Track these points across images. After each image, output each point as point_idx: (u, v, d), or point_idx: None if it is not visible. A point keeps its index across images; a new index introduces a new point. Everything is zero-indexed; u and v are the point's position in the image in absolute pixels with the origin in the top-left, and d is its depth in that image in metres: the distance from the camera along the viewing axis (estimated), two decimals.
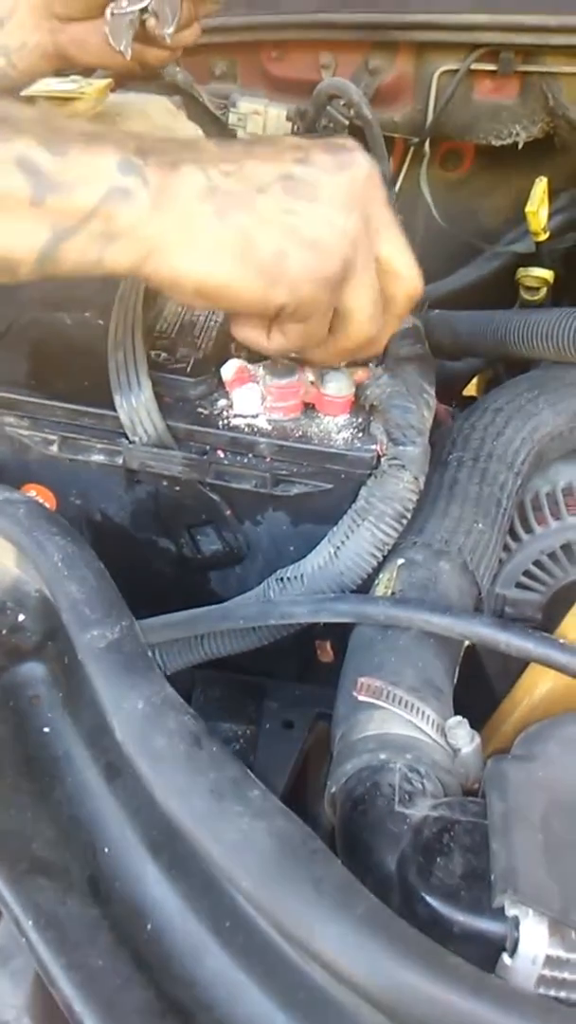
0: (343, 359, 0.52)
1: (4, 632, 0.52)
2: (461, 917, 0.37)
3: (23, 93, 0.98)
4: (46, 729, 0.49)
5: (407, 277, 0.47)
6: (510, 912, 0.36)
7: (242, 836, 0.37)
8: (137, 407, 0.54)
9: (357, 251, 0.44)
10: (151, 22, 0.60)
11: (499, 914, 0.36)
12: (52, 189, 0.39)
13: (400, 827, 0.40)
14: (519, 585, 0.68)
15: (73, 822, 0.45)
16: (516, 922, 0.36)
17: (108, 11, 0.60)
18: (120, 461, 0.57)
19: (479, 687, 0.60)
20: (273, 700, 0.66)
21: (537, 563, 0.67)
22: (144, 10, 0.60)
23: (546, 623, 0.67)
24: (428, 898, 0.37)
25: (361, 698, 0.46)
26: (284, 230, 0.42)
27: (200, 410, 0.56)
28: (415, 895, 0.38)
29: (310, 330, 0.47)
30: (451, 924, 0.37)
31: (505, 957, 0.36)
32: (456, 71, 0.97)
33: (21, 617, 0.53)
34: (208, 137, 0.43)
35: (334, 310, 0.46)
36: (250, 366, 0.57)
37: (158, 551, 0.63)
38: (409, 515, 0.55)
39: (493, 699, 0.57)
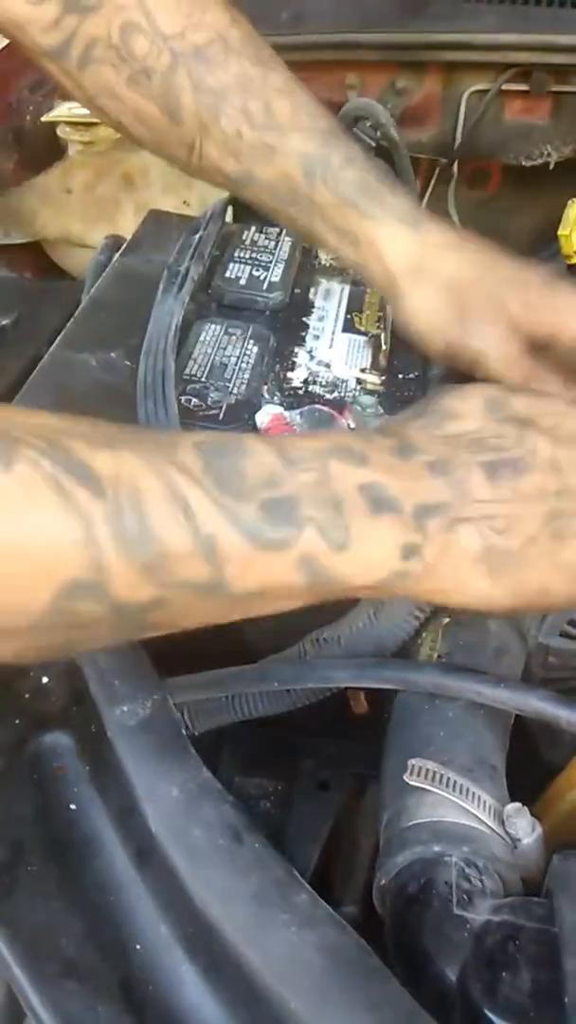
0: None
1: (27, 696, 0.50)
2: None
3: (43, 119, 0.96)
4: (72, 806, 0.46)
5: None
6: None
7: (290, 950, 0.34)
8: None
9: None
10: None
11: None
12: (329, 582, 0.37)
13: (460, 933, 0.37)
14: (563, 634, 0.65)
15: (102, 914, 0.42)
16: None
17: None
18: None
19: (524, 751, 0.57)
20: (307, 757, 0.63)
21: None
22: None
23: None
24: (495, 1019, 0.34)
25: (412, 782, 0.43)
26: (550, 571, 0.40)
27: None
28: (481, 1015, 0.34)
29: None
30: None
31: None
32: (486, 91, 0.94)
33: (44, 679, 0.50)
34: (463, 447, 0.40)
35: None
36: (286, 413, 0.54)
37: None
38: None
39: (540, 765, 0.54)
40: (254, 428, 0.55)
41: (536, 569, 0.40)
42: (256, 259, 0.70)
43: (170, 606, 0.35)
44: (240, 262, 0.69)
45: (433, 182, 1.06)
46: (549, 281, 0.55)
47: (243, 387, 0.57)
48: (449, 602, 0.40)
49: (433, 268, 0.55)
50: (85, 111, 0.94)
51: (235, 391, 0.57)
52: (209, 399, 0.55)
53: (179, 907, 0.40)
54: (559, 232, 0.89)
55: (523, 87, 0.94)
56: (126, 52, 0.55)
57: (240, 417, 0.55)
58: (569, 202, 0.88)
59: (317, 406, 0.56)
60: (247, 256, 0.70)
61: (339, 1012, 0.32)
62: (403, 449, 0.39)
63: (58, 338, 0.61)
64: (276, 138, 0.57)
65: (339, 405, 0.57)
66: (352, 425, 0.54)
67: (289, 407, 0.55)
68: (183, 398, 0.55)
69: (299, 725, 0.65)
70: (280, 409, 0.55)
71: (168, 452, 0.35)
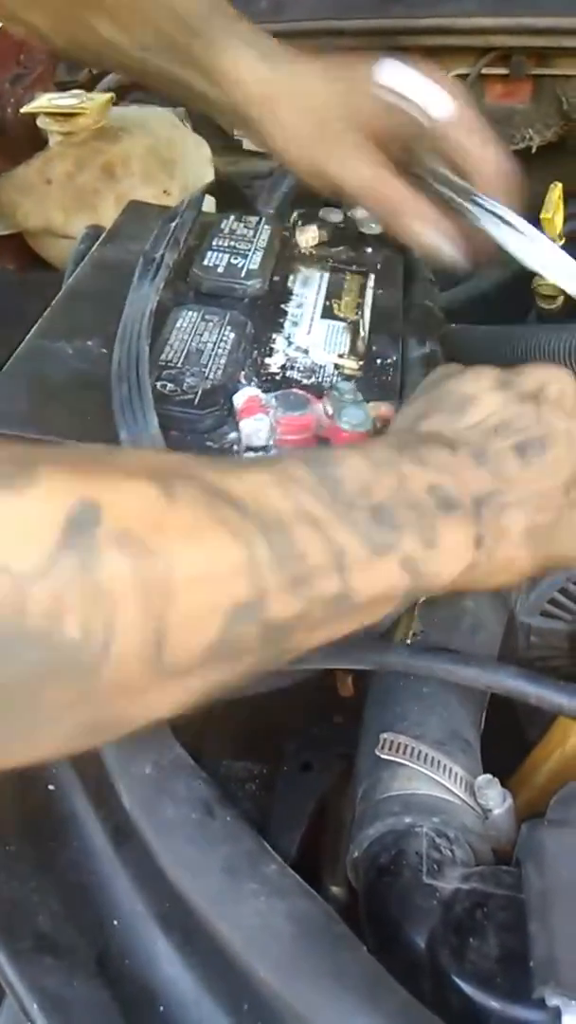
0: None
1: None
2: (498, 1006, 0.34)
3: (23, 110, 0.97)
4: (51, 787, 0.46)
5: None
6: (551, 1003, 0.33)
7: (260, 919, 0.34)
8: (142, 445, 0.51)
9: None
10: None
11: (540, 1003, 0.33)
12: (424, 582, 0.38)
13: (429, 902, 0.38)
14: (544, 613, 0.65)
15: (80, 891, 0.42)
16: (558, 1013, 0.33)
17: None
18: None
19: (506, 727, 0.57)
20: (290, 740, 0.63)
21: (563, 591, 0.64)
22: None
23: (572, 652, 0.64)
24: (462, 984, 0.34)
25: (385, 756, 0.43)
26: (572, 536, 0.44)
27: (209, 443, 0.54)
28: (448, 980, 0.35)
29: None
30: (487, 1014, 0.34)
31: None
32: (466, 75, 0.94)
33: None
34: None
35: None
36: (262, 396, 0.54)
37: None
38: None
39: (522, 741, 0.55)
40: (230, 413, 0.55)
41: (564, 537, 0.43)
42: (235, 247, 0.70)
43: (308, 622, 0.35)
44: (218, 250, 0.69)
45: None
46: None
47: (219, 372, 0.57)
48: (500, 584, 0.44)
49: (289, 91, 0.56)
50: (66, 102, 0.95)
51: (211, 376, 0.57)
52: (185, 384, 0.55)
53: (154, 882, 0.40)
54: (541, 215, 0.89)
55: (503, 71, 0.94)
56: None
57: (216, 402, 0.55)
58: (551, 185, 0.89)
59: (293, 390, 0.56)
60: (226, 244, 0.70)
61: (306, 978, 0.33)
62: (447, 445, 0.41)
63: (34, 328, 0.61)
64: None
65: (317, 390, 0.57)
66: (329, 411, 0.54)
67: (266, 392, 0.55)
68: (158, 383, 0.55)
69: (285, 708, 0.66)
70: (257, 391, 0.55)
71: (279, 468, 0.36)
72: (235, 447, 0.53)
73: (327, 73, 0.59)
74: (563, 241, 0.91)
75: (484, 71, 0.94)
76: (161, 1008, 0.38)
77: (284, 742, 0.64)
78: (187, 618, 0.30)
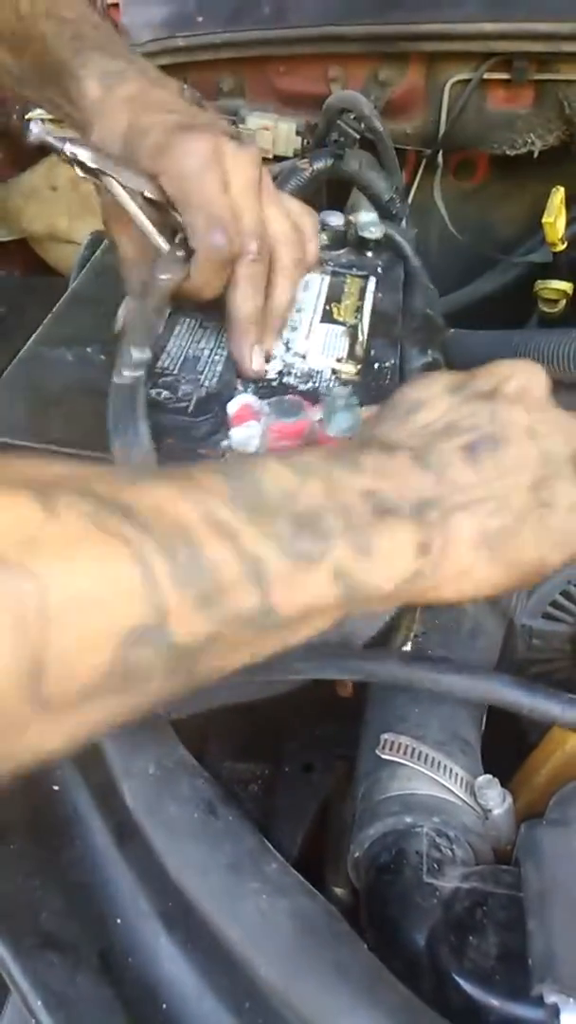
0: None
1: None
2: (497, 1003, 0.34)
3: (28, 116, 0.97)
4: (55, 787, 0.47)
5: None
6: (549, 1000, 0.33)
7: (261, 916, 0.35)
8: (132, 458, 0.51)
9: None
10: None
11: (538, 1000, 0.34)
12: (360, 592, 0.36)
13: (429, 900, 0.38)
14: (546, 616, 0.65)
15: (83, 890, 0.43)
16: (556, 1011, 0.33)
17: None
18: None
19: (507, 730, 0.58)
20: (292, 741, 0.64)
21: (564, 593, 0.64)
22: None
23: (574, 655, 0.64)
24: (462, 982, 0.35)
25: (386, 756, 0.43)
26: (543, 540, 0.40)
27: (201, 451, 0.54)
28: (448, 978, 0.35)
29: None
30: (487, 1011, 0.34)
31: None
32: (468, 81, 0.94)
33: None
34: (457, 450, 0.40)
35: None
36: (256, 403, 0.55)
37: None
38: None
39: (524, 743, 0.55)
40: (224, 421, 0.55)
41: (531, 541, 0.40)
42: None
43: (223, 643, 0.32)
44: None
45: (420, 173, 1.06)
46: (180, 127, 0.56)
47: (215, 380, 0.58)
48: (459, 596, 0.40)
49: (114, 116, 0.57)
50: None
51: (206, 383, 0.57)
52: (180, 391, 0.56)
53: (157, 881, 0.41)
54: (543, 220, 0.90)
55: (505, 76, 0.94)
56: None
57: (210, 409, 0.55)
58: (553, 190, 0.89)
59: (288, 396, 0.56)
60: None
61: (307, 974, 0.33)
62: (386, 449, 0.39)
63: (35, 334, 0.62)
64: (31, 25, 0.63)
65: (314, 396, 0.57)
66: (320, 417, 0.54)
67: (262, 398, 0.56)
68: (153, 391, 0.55)
69: (285, 710, 0.66)
70: (251, 398, 0.55)
71: (192, 479, 0.34)
72: (227, 456, 0.54)
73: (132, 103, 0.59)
74: (565, 246, 0.92)
75: (486, 76, 0.94)
76: (164, 1005, 0.39)
77: (285, 744, 0.64)
78: (70, 645, 0.27)
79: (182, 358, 0.59)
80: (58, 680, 0.27)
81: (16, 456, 0.32)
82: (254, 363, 0.58)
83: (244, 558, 0.32)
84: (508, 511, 0.39)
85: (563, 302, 0.94)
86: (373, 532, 0.36)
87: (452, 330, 0.87)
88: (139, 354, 0.50)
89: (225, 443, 0.54)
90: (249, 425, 0.53)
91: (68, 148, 0.51)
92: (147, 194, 0.55)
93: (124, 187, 0.54)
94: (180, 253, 0.55)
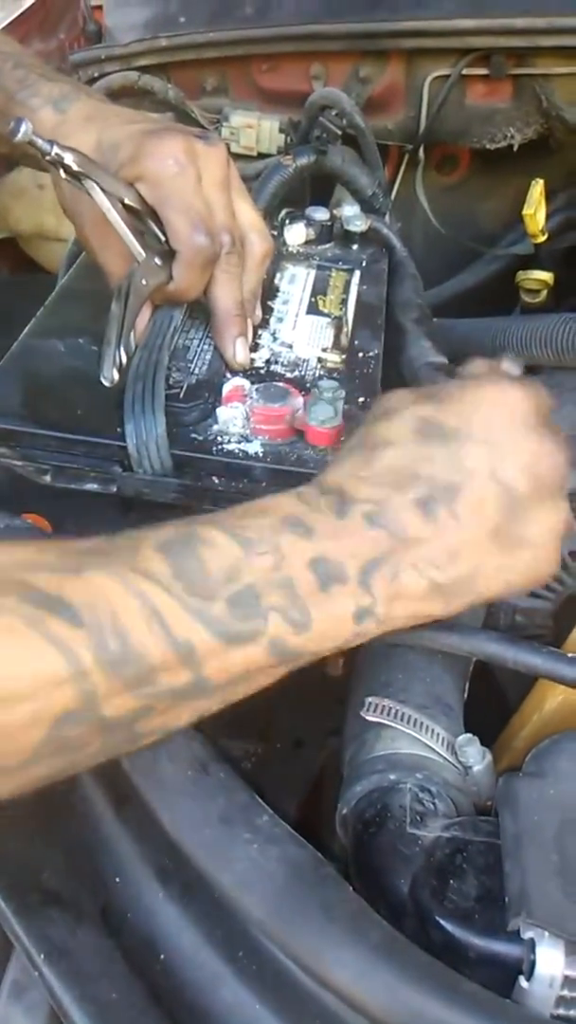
0: None
1: None
2: (476, 941, 0.36)
3: None
4: None
5: None
6: (525, 935, 0.35)
7: (252, 864, 0.37)
8: (147, 440, 0.53)
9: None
10: None
11: (515, 937, 0.36)
12: (297, 657, 0.39)
13: (412, 849, 0.40)
14: (529, 593, 0.67)
15: (83, 850, 0.44)
16: (532, 944, 0.35)
17: None
18: (114, 489, 0.56)
19: (493, 700, 0.60)
20: (283, 717, 0.65)
21: None
22: None
23: (556, 631, 0.66)
24: (442, 922, 0.37)
25: (370, 718, 0.45)
26: (507, 573, 0.41)
27: (194, 436, 0.56)
28: (429, 919, 0.37)
29: None
30: (466, 948, 0.36)
31: (522, 980, 0.35)
32: (448, 76, 0.96)
33: None
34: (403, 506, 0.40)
35: None
36: (247, 386, 0.57)
37: None
38: None
39: (508, 712, 0.57)
40: (214, 407, 0.57)
41: (492, 578, 0.41)
42: None
43: (156, 713, 0.36)
44: None
45: (403, 169, 1.08)
46: (148, 133, 0.58)
47: (204, 368, 0.60)
48: (413, 627, 0.41)
49: (78, 136, 0.59)
50: None
51: (196, 372, 0.59)
52: (171, 380, 0.58)
53: (155, 841, 0.43)
54: (524, 212, 0.92)
55: (483, 71, 0.96)
56: None
57: (201, 396, 0.57)
58: (533, 182, 0.91)
59: (276, 383, 0.58)
60: None
61: (295, 914, 0.35)
62: (341, 506, 0.40)
63: (27, 327, 0.63)
64: None
65: (300, 384, 0.60)
66: (302, 407, 0.56)
67: (253, 384, 0.58)
68: None
69: (276, 686, 0.68)
70: (243, 381, 0.58)
71: (134, 561, 0.36)
72: (218, 439, 0.56)
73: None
74: (546, 237, 0.95)
75: (465, 72, 0.96)
76: (162, 957, 0.40)
77: (276, 720, 0.66)
78: (6, 726, 0.32)
79: (172, 348, 0.61)
80: (2, 753, 0.33)
81: None
82: (238, 355, 0.61)
83: (175, 643, 0.35)
84: (464, 561, 0.40)
85: (544, 292, 0.96)
86: (313, 605, 0.37)
87: (435, 319, 0.89)
88: (121, 358, 0.54)
89: (217, 427, 0.56)
90: (234, 406, 0.55)
91: (55, 150, 0.53)
92: (127, 201, 0.57)
93: (106, 192, 0.55)
94: (156, 260, 0.57)
